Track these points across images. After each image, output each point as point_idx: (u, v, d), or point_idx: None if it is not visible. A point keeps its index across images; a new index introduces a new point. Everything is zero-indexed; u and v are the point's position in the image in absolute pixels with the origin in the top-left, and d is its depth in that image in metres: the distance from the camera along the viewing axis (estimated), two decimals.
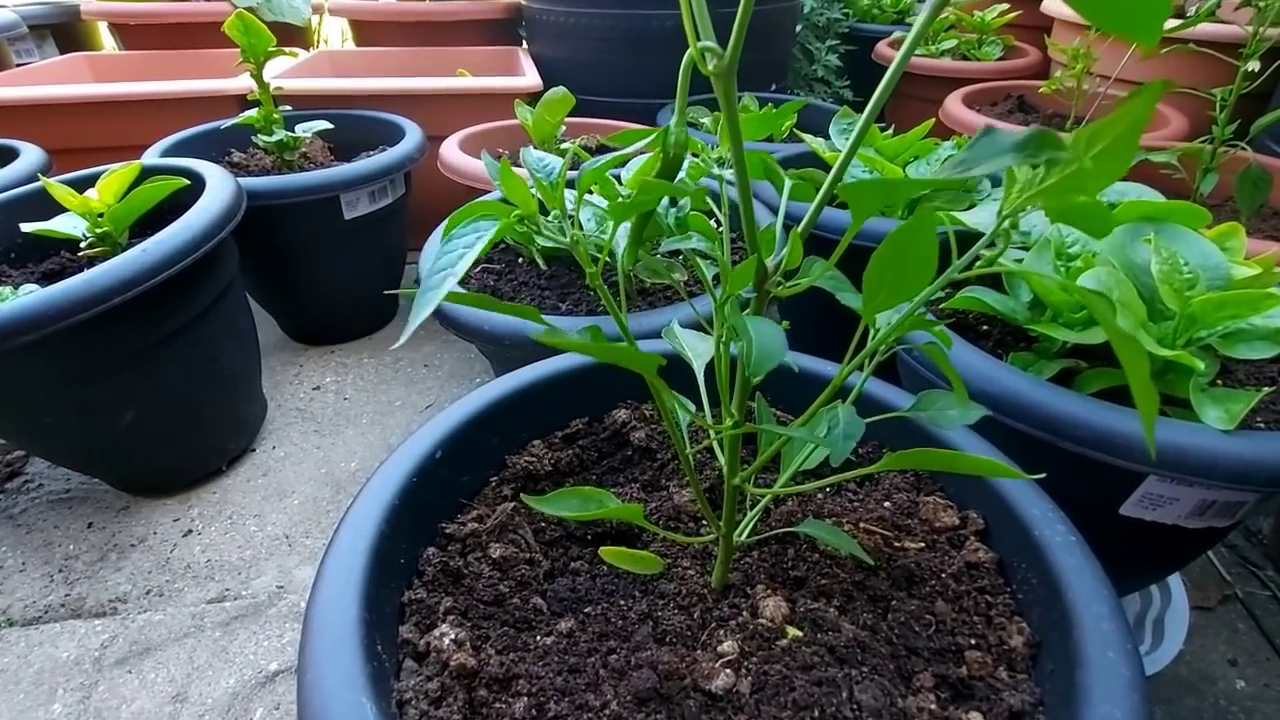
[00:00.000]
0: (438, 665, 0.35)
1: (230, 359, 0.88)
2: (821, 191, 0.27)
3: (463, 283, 0.77)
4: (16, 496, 0.92)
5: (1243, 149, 0.97)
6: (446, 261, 0.23)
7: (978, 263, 0.30)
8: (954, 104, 1.37)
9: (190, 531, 0.86)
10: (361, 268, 1.16)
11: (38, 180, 0.90)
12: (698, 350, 0.45)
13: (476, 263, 0.87)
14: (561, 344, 0.25)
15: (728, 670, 0.35)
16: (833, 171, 0.27)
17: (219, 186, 0.84)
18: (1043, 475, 0.36)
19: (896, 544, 0.43)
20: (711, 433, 0.40)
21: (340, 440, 1.01)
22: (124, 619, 0.75)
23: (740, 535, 0.41)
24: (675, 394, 0.37)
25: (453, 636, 0.35)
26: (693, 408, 0.43)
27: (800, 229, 0.28)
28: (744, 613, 0.39)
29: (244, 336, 0.93)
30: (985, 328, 0.70)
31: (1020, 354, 0.63)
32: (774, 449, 0.35)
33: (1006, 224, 0.30)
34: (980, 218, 0.72)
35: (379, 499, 0.40)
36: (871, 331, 0.35)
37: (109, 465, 0.87)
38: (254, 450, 0.99)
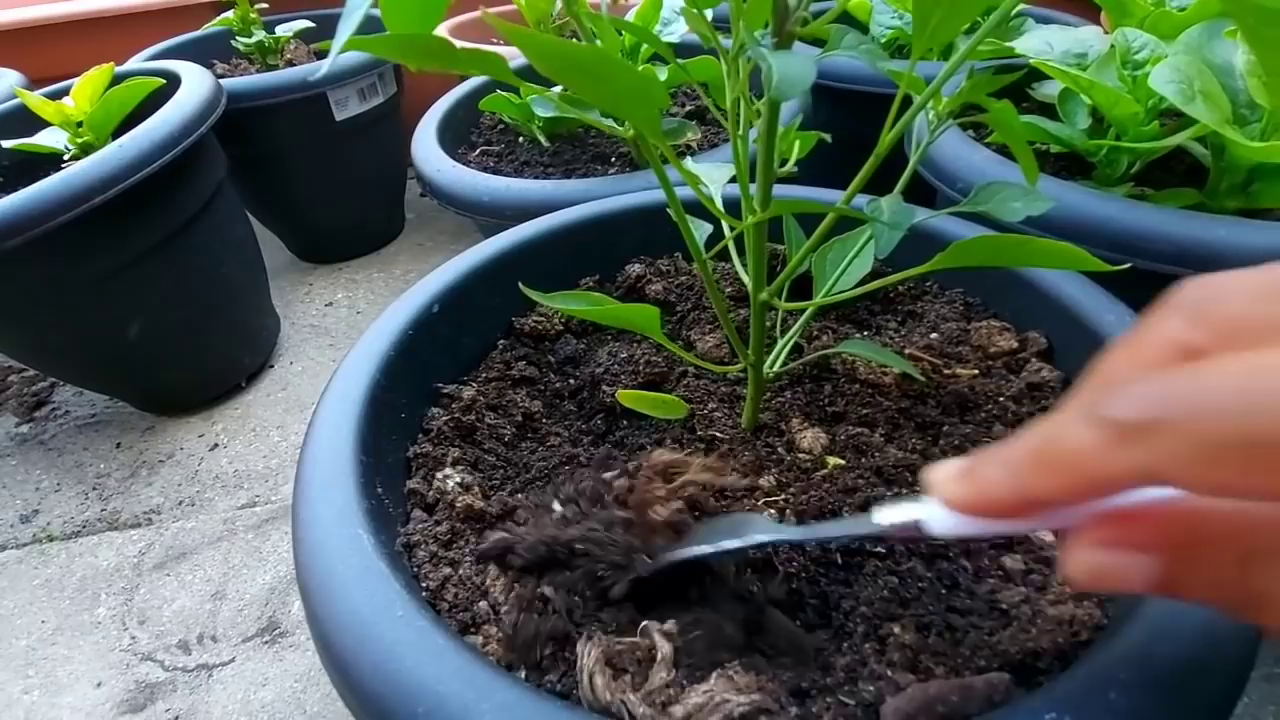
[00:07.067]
0: (446, 509, 0.32)
1: (231, 269, 0.85)
2: None
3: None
4: (45, 423, 0.92)
5: None
6: None
7: None
8: None
9: (216, 445, 0.86)
10: (359, 176, 1.11)
11: (15, 98, 0.85)
12: (713, 177, 0.40)
13: (474, 146, 0.81)
14: (513, 34, 0.20)
15: (766, 504, 0.32)
16: None
17: (196, 82, 0.79)
18: (1127, 266, 0.31)
19: (946, 371, 0.38)
20: (730, 243, 0.36)
21: None
22: (159, 528, 0.76)
23: (772, 367, 0.37)
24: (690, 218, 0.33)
25: (458, 479, 0.33)
26: (709, 227, 0.39)
27: None
28: (779, 449, 0.36)
29: (243, 246, 0.89)
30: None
31: (1080, 182, 0.56)
32: (811, 243, 0.30)
33: None
34: (1030, 44, 0.64)
35: (373, 349, 0.36)
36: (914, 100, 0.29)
37: (128, 383, 0.86)
38: (272, 366, 0.98)
